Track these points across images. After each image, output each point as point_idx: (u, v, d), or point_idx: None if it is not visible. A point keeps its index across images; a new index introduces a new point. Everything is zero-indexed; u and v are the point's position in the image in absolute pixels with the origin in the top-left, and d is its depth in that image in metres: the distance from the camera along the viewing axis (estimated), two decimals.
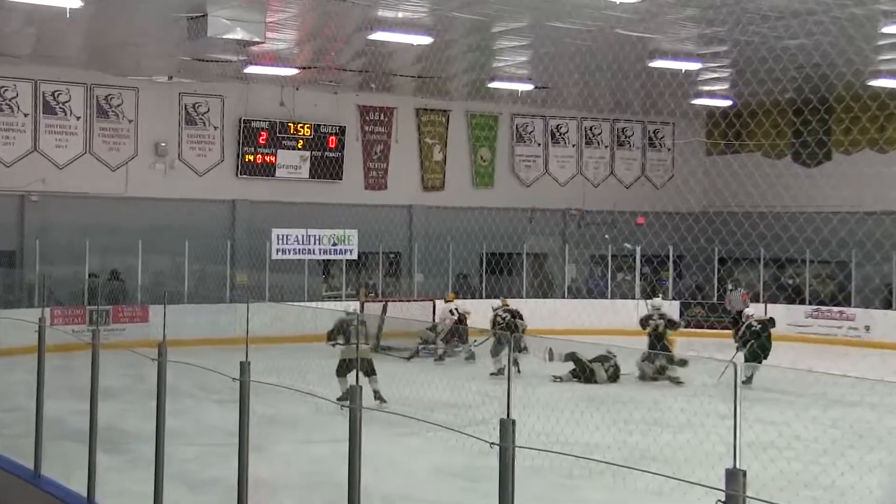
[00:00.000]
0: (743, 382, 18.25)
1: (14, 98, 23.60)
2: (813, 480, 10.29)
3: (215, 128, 25.94)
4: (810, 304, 26.54)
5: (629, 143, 32.06)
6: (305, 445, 12.34)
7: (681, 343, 20.66)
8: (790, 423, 13.41)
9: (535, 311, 23.15)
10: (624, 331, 22.69)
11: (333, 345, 15.60)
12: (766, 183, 27.08)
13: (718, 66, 22.58)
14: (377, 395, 14.52)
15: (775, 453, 11.26)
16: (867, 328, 25.16)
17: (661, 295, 24.02)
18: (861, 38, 18.88)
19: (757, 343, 18.49)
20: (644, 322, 19.20)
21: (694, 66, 21.99)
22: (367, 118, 27.93)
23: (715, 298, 27.93)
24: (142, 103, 24.97)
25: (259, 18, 16.70)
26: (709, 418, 12.35)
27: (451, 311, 21.92)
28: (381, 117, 28.12)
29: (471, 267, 28.47)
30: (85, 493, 8.63)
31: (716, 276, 28.16)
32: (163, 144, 25.19)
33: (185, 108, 25.60)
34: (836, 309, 25.80)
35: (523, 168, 30.49)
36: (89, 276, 23.01)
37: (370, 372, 14.88)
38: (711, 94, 26.81)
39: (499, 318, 19.83)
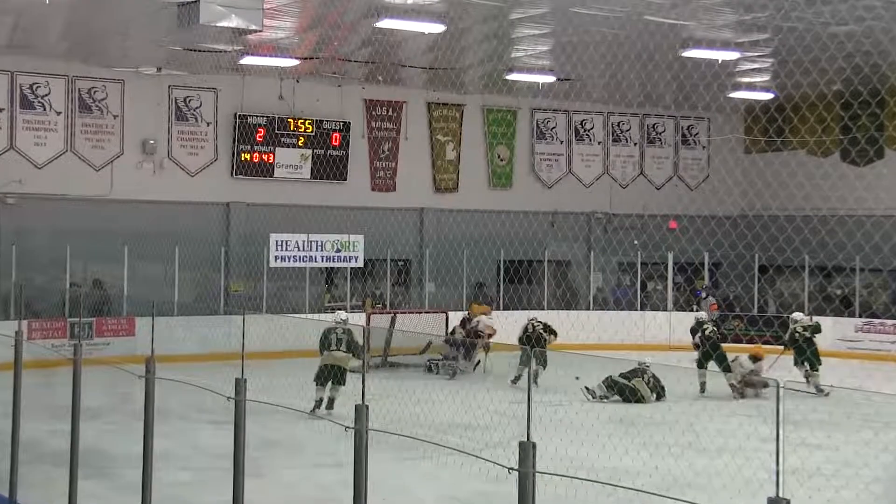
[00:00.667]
0: (815, 393, 18.56)
1: None
2: None
3: (208, 124, 26.01)
4: (860, 316, 26.44)
5: (660, 140, 32.02)
6: (307, 470, 12.34)
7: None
8: (839, 447, 13.36)
9: (558, 324, 23.06)
10: (655, 346, 22.62)
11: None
12: (811, 184, 27.00)
13: (758, 56, 22.53)
14: (330, 403, 15.89)
15: (822, 481, 11.21)
16: None
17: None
18: None
19: (811, 350, 19.36)
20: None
21: (731, 55, 21.95)
22: (374, 113, 27.96)
23: (755, 310, 27.85)
24: (128, 97, 25.04)
25: (256, 5, 16.73)
26: (749, 441, 12.32)
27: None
28: (390, 112, 28.15)
29: (487, 276, 28.45)
30: None
31: (756, 285, 28.08)
32: (151, 142, 25.26)
33: (176, 103, 25.67)
34: (889, 322, 25.70)
35: (544, 168, 30.48)
36: (70, 285, 23.07)
37: (339, 381, 16.20)
38: (751, 87, 26.75)
39: (528, 329, 20.65)
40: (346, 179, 27.20)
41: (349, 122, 27.28)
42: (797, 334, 20.20)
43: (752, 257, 27.48)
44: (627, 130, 31.54)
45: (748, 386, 18.88)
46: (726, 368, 19.20)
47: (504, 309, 26.35)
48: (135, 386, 8.13)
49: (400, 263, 28.16)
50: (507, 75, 25.10)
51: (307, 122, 26.67)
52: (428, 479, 11.59)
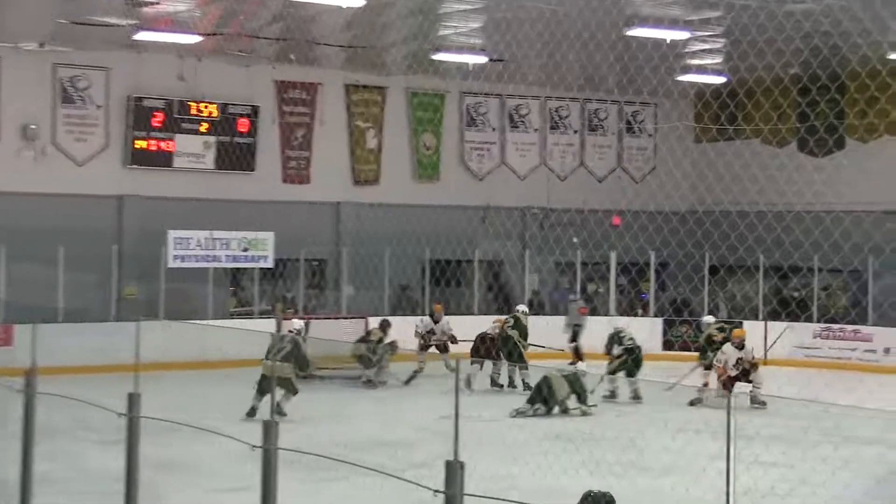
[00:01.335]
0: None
1: None
2: None
3: (98, 107, 25.70)
4: (819, 321, 26.86)
5: (602, 127, 32.28)
6: (210, 495, 12.26)
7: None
8: (794, 464, 13.55)
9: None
10: (596, 355, 22.83)
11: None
12: (765, 176, 27.38)
13: (709, 36, 22.82)
14: (277, 409, 15.69)
15: (776, 501, 11.37)
16: (887, 350, 25.51)
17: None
18: (879, 2, 19.14)
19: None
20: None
21: (680, 35, 22.19)
22: (286, 96, 27.84)
23: (705, 314, 28.14)
24: (5, 76, 24.68)
25: None
26: (697, 459, 12.44)
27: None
28: (303, 95, 28.04)
29: (412, 277, 28.46)
30: None
31: (706, 287, 28.39)
32: (32, 127, 24.92)
33: (61, 83, 25.33)
34: (849, 327, 26.13)
35: (475, 158, 30.56)
36: None
37: (290, 391, 16.96)
38: (701, 70, 27.08)
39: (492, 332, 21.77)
40: (254, 170, 27.05)
41: (258, 107, 27.13)
42: (713, 338, 20.79)
43: (702, 257, 27.74)
44: (566, 117, 31.74)
45: (741, 378, 19.22)
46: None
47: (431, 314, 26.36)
48: (12, 401, 8.00)
49: (314, 264, 28.07)
50: (433, 55, 25.12)
51: (211, 105, 26.47)
52: (344, 503, 11.55)
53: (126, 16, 20.60)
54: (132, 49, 24.93)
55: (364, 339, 22.13)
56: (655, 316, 28.12)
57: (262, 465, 6.45)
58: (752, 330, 25.32)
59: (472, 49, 24.80)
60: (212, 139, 26.56)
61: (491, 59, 25.69)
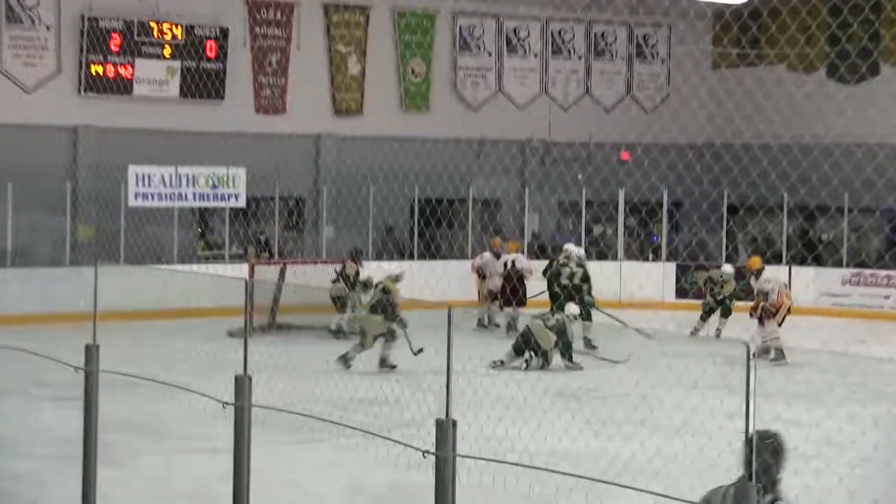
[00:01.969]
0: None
1: None
2: (849, 499, 10.48)
3: (48, 27, 25.55)
4: (848, 266, 26.96)
5: (610, 52, 32.16)
6: (176, 457, 12.31)
7: None
8: (820, 423, 13.65)
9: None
10: (603, 302, 22.90)
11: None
12: (790, 106, 27.34)
13: None
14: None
15: (800, 464, 11.43)
16: None
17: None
18: None
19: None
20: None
21: None
22: (259, 17, 27.68)
23: (723, 258, 28.22)
24: None
25: None
26: (713, 418, 12.53)
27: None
28: (278, 16, 27.89)
29: (399, 217, 28.45)
30: None
31: (724, 229, 28.44)
32: None
33: (7, 1, 25.16)
34: (882, 273, 26.22)
35: (469, 85, 30.46)
36: None
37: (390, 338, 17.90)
38: None
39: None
40: (223, 99, 26.95)
41: (227, 28, 26.99)
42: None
43: (720, 195, 27.80)
44: (570, 40, 31.62)
45: (767, 317, 19.37)
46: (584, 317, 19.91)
47: (419, 258, 26.40)
48: None
49: (291, 203, 28.03)
50: None
51: (175, 27, 26.32)
52: (326, 468, 11.63)
53: None
54: None
55: (340, 279, 21.95)
56: (668, 260, 28.13)
57: (234, 425, 6.47)
58: (776, 276, 25.43)
59: None
60: (176, 64, 26.43)
61: None
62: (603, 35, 32.03)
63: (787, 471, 10.52)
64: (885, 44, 27.90)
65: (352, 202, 26.81)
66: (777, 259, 27.17)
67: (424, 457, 5.14)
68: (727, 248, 28.59)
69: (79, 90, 25.79)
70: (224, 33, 26.94)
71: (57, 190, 24.57)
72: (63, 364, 7.48)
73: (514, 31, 30.89)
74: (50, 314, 20.38)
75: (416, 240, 27.75)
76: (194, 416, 12.54)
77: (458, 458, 5.07)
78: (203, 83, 26.50)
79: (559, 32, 31.47)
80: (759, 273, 20.13)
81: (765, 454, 5.18)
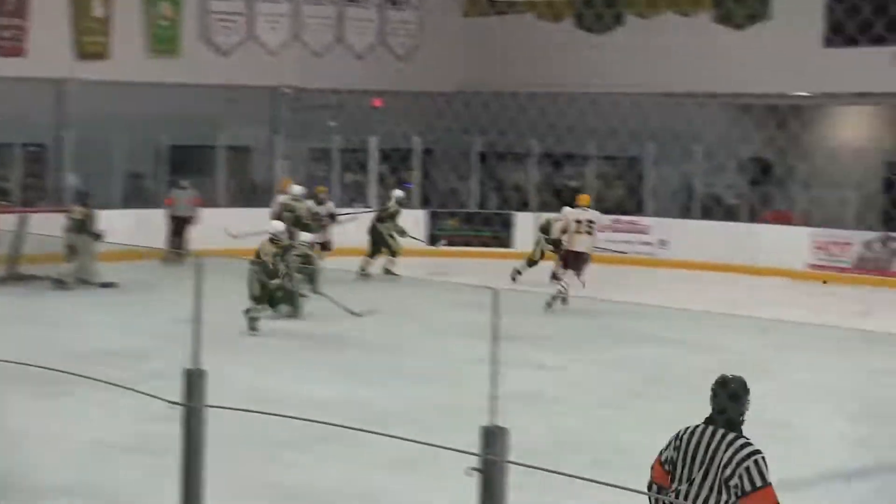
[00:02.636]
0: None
1: None
2: (590, 440, 10.86)
3: None
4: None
5: None
6: None
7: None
8: (566, 366, 14.09)
9: (236, 224, 23.08)
10: (343, 249, 23.14)
11: None
12: (540, 54, 27.90)
13: None
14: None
15: (545, 407, 11.81)
16: (663, 243, 26.53)
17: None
18: None
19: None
20: None
21: None
22: None
23: (475, 205, 28.67)
24: None
25: None
26: (467, 366, 12.79)
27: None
28: None
29: (147, 165, 27.98)
30: None
31: (476, 176, 28.87)
32: None
33: None
34: (625, 218, 26.99)
35: (220, 30, 30.04)
36: None
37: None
38: None
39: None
40: None
41: None
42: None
43: (471, 143, 28.21)
44: None
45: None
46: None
47: (161, 207, 26.00)
48: None
49: (32, 149, 27.26)
50: None
51: None
52: (71, 420, 11.42)
53: None
54: None
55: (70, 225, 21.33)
56: (421, 208, 28.40)
57: None
58: (525, 222, 26.07)
59: None
60: None
61: None
62: None
63: (535, 413, 10.90)
64: None
65: (97, 149, 26.21)
66: (524, 205, 27.73)
67: (171, 407, 5.11)
68: (480, 194, 29.07)
69: None
70: None
71: None
72: None
73: None
74: None
75: (165, 187, 27.33)
76: None
77: (208, 409, 5.07)
78: None
79: None
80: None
81: (722, 397, 5.73)
